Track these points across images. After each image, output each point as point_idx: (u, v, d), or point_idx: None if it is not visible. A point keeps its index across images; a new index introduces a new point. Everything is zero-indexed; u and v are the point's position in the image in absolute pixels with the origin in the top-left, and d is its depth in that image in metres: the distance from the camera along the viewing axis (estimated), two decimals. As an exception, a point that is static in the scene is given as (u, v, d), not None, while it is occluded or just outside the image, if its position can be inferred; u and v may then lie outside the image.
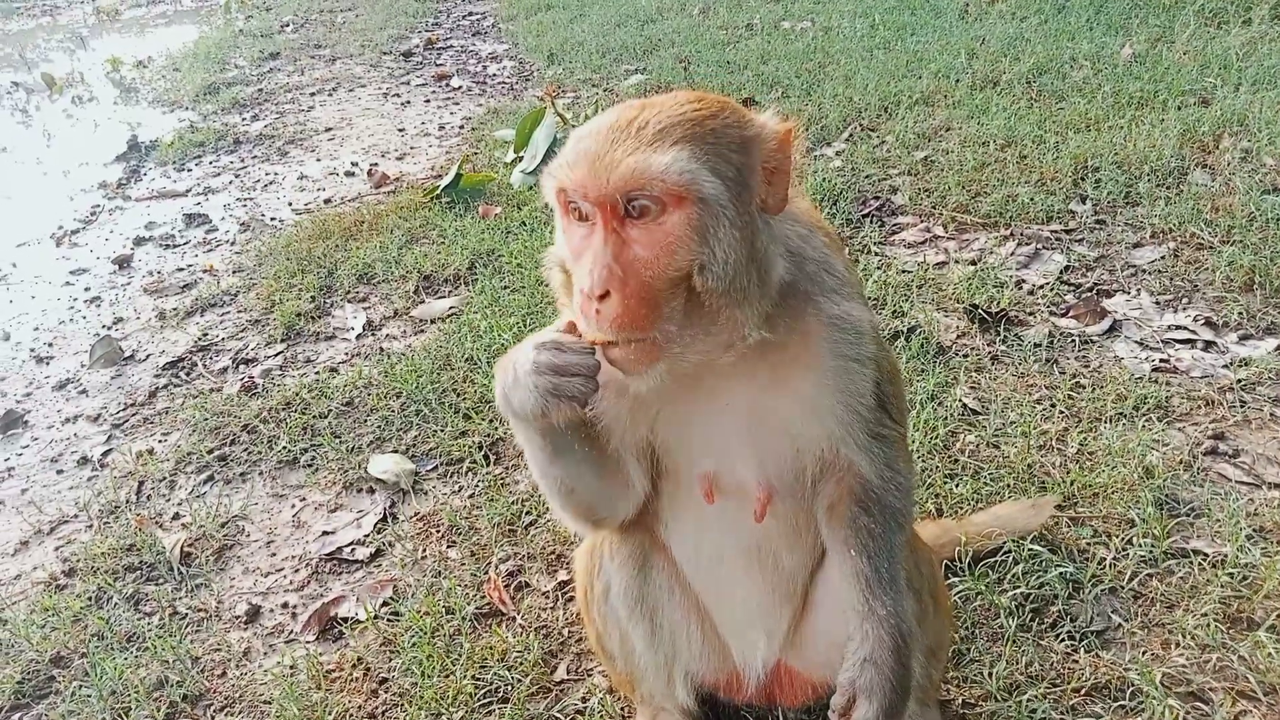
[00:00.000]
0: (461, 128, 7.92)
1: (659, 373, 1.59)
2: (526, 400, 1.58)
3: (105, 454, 3.95)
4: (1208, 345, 3.59)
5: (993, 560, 2.67)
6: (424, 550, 3.12)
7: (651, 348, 1.55)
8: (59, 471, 3.89)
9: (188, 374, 4.50)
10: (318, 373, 4.27)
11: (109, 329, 5.05)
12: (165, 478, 3.70)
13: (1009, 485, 2.98)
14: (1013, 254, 4.40)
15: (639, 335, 1.53)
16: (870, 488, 1.84)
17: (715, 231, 1.53)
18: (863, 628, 1.80)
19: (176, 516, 3.48)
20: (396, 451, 3.60)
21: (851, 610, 1.82)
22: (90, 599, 3.09)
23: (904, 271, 4.36)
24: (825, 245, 1.84)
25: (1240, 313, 3.69)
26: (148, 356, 4.71)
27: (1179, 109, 5.46)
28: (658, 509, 2.01)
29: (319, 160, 7.52)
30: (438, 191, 5.99)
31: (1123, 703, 2.27)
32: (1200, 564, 2.60)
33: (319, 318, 4.80)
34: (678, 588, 2.08)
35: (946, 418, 3.30)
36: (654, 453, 1.91)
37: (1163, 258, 4.18)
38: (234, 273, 5.53)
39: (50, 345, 4.99)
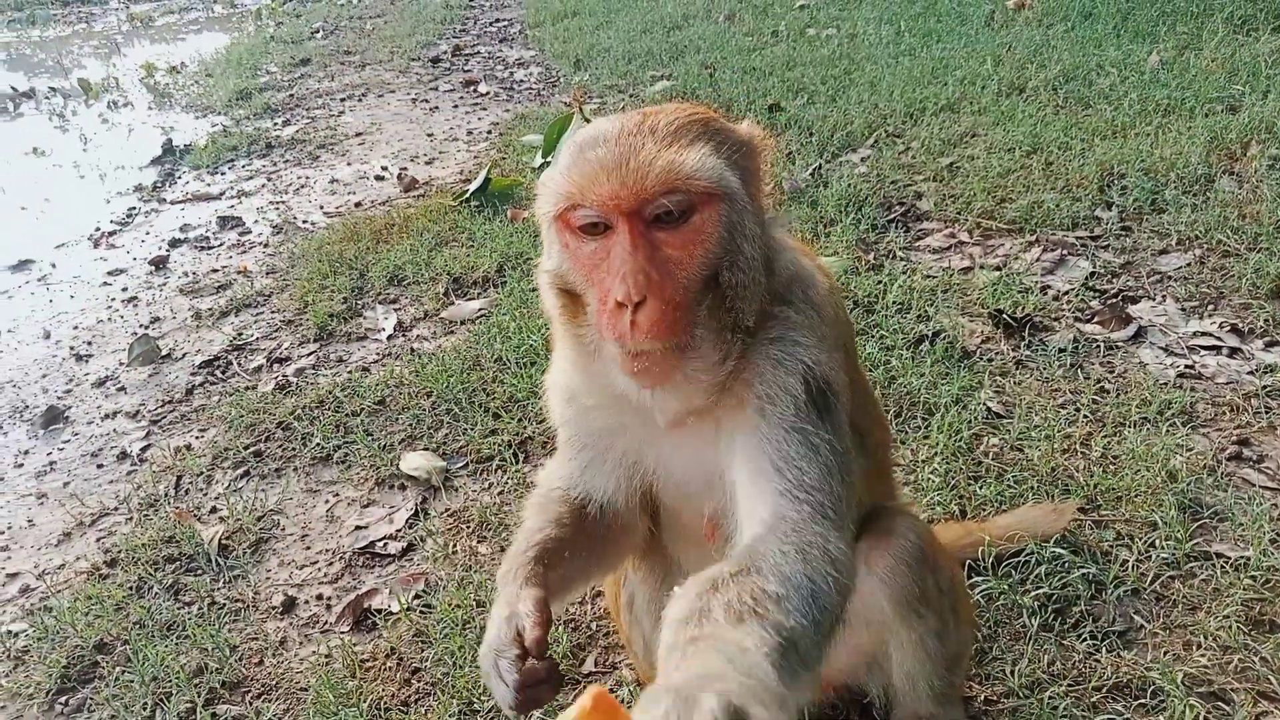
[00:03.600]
0: (489, 133, 8.02)
1: (677, 386, 1.56)
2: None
3: (144, 449, 4.05)
4: (1233, 352, 3.60)
5: (1015, 561, 2.70)
6: (455, 545, 3.19)
7: (675, 358, 1.52)
8: (99, 466, 3.99)
9: (223, 372, 4.60)
10: (350, 372, 4.36)
11: (146, 328, 5.17)
12: (203, 473, 3.79)
13: (1032, 488, 3.00)
14: (1038, 260, 4.42)
15: (675, 341, 1.50)
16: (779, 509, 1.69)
17: (741, 227, 1.55)
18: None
19: (214, 510, 3.57)
20: (428, 449, 3.68)
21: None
22: (131, 588, 3.18)
23: (929, 277, 4.39)
24: (803, 258, 1.83)
25: (1266, 319, 3.69)
26: (184, 355, 4.82)
27: (1206, 116, 5.46)
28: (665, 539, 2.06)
29: (349, 164, 7.63)
30: (467, 195, 6.08)
31: (1144, 701, 2.29)
32: (1223, 567, 2.62)
33: (351, 318, 4.89)
34: None
35: (971, 421, 3.33)
36: (653, 500, 1.94)
37: (1189, 265, 4.18)
38: (267, 274, 5.64)
39: (89, 344, 5.11)
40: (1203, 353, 3.63)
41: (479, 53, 11.44)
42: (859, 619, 1.99)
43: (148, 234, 6.65)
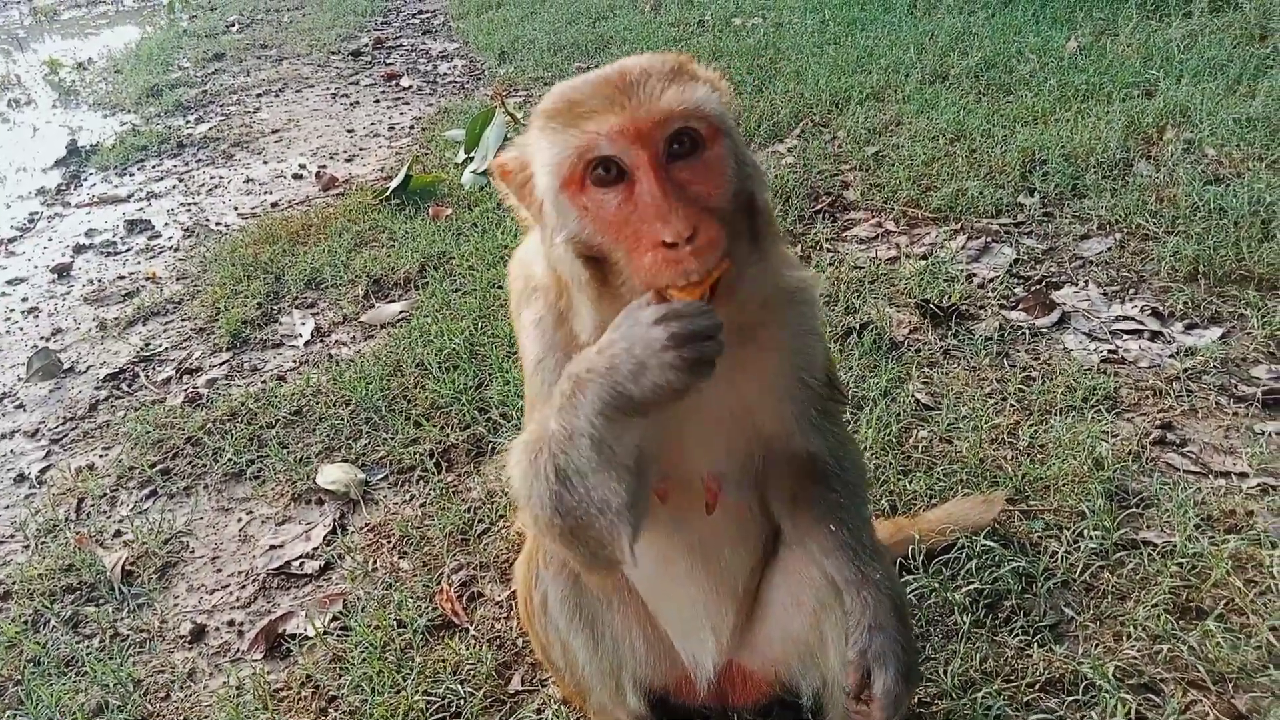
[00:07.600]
0: (411, 128, 7.81)
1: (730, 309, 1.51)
2: (667, 379, 1.38)
3: (43, 471, 3.82)
4: (1154, 335, 3.63)
5: (946, 557, 2.67)
6: (375, 562, 3.06)
7: (728, 284, 1.50)
8: (-6, 490, 3.76)
9: (129, 386, 4.37)
10: (264, 381, 4.17)
11: (47, 340, 4.90)
12: (106, 494, 3.59)
13: (962, 480, 2.98)
14: (963, 248, 4.42)
15: (725, 258, 1.45)
16: (828, 466, 1.83)
17: (744, 159, 1.57)
18: (860, 595, 1.75)
19: (118, 534, 3.38)
20: (346, 461, 3.53)
21: (844, 582, 1.79)
22: (26, 623, 2.98)
23: (856, 267, 4.36)
24: None
25: (1185, 302, 3.73)
26: (88, 368, 4.57)
27: (1124, 101, 5.53)
28: None
29: (265, 163, 7.37)
30: (387, 193, 5.89)
31: (1076, 697, 2.27)
32: (1150, 554, 2.62)
33: (266, 325, 4.70)
34: (614, 595, 2.04)
35: (899, 413, 3.30)
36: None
37: (1110, 249, 4.22)
38: (178, 280, 5.39)
39: (-15, 359, 4.83)
40: (1125, 337, 3.65)
41: (401, 45, 11.15)
42: (793, 600, 1.99)
43: (50, 240, 6.32)
